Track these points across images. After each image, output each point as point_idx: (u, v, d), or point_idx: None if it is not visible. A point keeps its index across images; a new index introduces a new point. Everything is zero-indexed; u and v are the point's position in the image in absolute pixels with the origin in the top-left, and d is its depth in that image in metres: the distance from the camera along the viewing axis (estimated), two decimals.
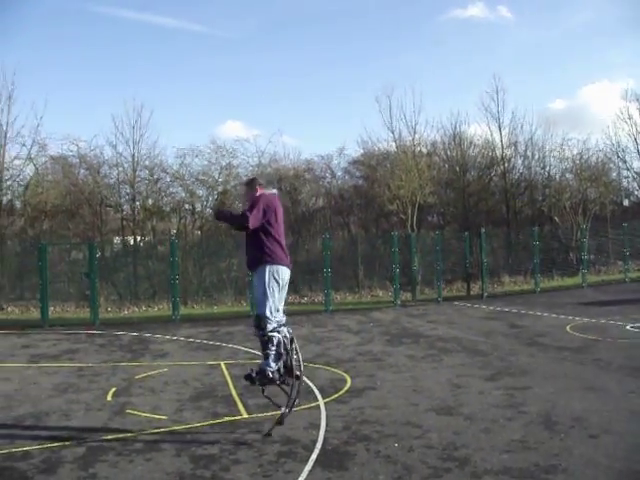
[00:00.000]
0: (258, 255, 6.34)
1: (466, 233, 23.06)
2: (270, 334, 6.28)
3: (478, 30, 60.98)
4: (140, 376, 9.84)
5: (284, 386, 6.57)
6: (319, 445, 6.02)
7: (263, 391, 6.56)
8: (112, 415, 7.45)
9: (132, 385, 9.17)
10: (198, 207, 26.97)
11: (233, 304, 21.61)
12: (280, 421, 6.46)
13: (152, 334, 14.93)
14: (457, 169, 28.28)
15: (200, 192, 26.67)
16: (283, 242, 6.53)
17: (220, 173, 26.40)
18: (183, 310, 19.15)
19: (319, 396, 8.06)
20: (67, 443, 6.38)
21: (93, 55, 57.43)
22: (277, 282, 6.31)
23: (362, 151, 28.30)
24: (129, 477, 5.33)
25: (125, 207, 26.23)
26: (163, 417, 7.30)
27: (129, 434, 6.61)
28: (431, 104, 56.40)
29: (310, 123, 58.67)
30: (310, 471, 5.33)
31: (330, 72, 60.99)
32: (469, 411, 7.09)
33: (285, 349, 6.42)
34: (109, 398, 8.33)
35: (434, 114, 54.61)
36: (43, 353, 12.79)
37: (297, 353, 6.60)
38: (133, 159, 25.72)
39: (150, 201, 25.87)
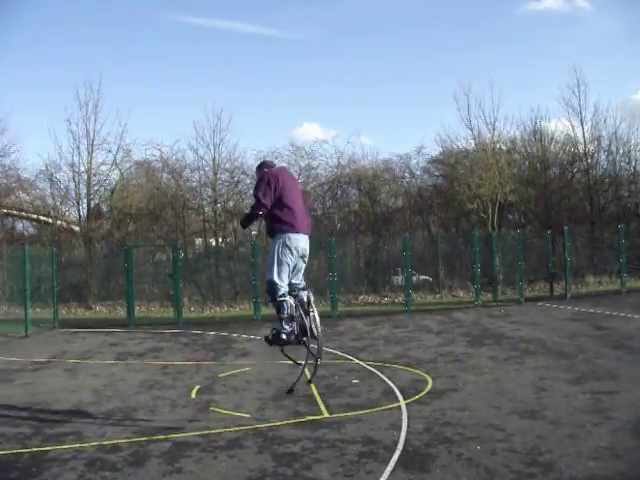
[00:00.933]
0: (273, 225, 6.46)
1: (548, 232, 22.46)
2: (281, 299, 6.41)
3: (554, 22, 59.44)
4: (223, 374, 10.04)
5: (306, 345, 6.86)
6: (400, 446, 5.99)
7: (282, 350, 6.99)
8: (196, 412, 7.63)
9: (215, 383, 9.36)
10: None
11: None
12: (314, 373, 7.03)
13: (234, 334, 15.20)
14: (538, 166, 27.52)
15: None
16: (298, 209, 6.51)
17: (299, 174, 26.60)
18: (264, 310, 19.36)
19: (400, 397, 8.02)
20: (154, 438, 6.58)
21: (174, 62, 59.00)
22: (290, 250, 6.37)
23: (441, 149, 27.95)
24: (213, 473, 5.45)
25: (207, 209, 26.80)
26: (246, 415, 7.43)
27: (213, 431, 6.75)
28: (510, 100, 55.10)
29: (388, 123, 58.52)
30: (392, 472, 5.31)
31: (406, 70, 60.63)
32: (553, 415, 6.90)
33: (304, 310, 6.56)
34: (193, 395, 8.53)
35: (513, 110, 53.67)
36: (130, 351, 13.21)
37: (316, 314, 6.72)
38: (214, 162, 26.29)
39: (231, 203, 26.33)
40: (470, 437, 6.20)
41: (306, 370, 7.30)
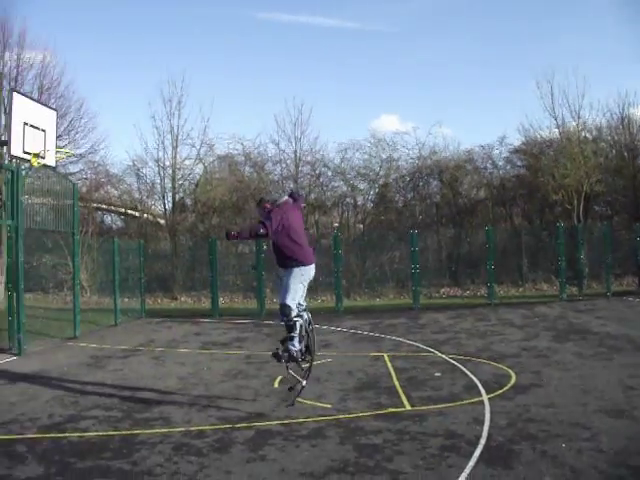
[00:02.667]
0: (285, 261, 7.24)
1: (637, 223, 21.66)
2: (294, 319, 7.18)
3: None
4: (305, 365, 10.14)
5: (303, 363, 7.53)
6: (483, 441, 5.91)
7: (287, 367, 7.38)
8: (279, 401, 7.73)
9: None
10: (360, 200, 27.26)
11: (395, 296, 21.71)
12: (299, 391, 7.44)
13: (316, 325, 15.23)
14: (626, 154, 26.31)
15: (361, 186, 26.95)
16: (304, 243, 7.33)
17: (381, 166, 26.53)
18: (346, 302, 19.48)
19: (483, 391, 7.92)
20: (237, 425, 6.72)
21: (254, 58, 59.72)
22: (302, 279, 7.24)
23: (523, 139, 27.21)
24: (296, 461, 5.52)
25: None
26: (328, 405, 7.49)
27: (295, 420, 6.85)
28: (595, 86, 53.17)
29: (468, 113, 57.50)
30: (474, 467, 5.25)
31: (486, 59, 59.42)
32: None
33: (305, 331, 7.41)
34: (276, 385, 8.66)
35: (599, 97, 51.80)
36: (214, 340, 13.52)
37: (313, 334, 7.64)
38: (295, 155, 26.49)
39: (313, 195, 26.46)
40: (555, 434, 6.04)
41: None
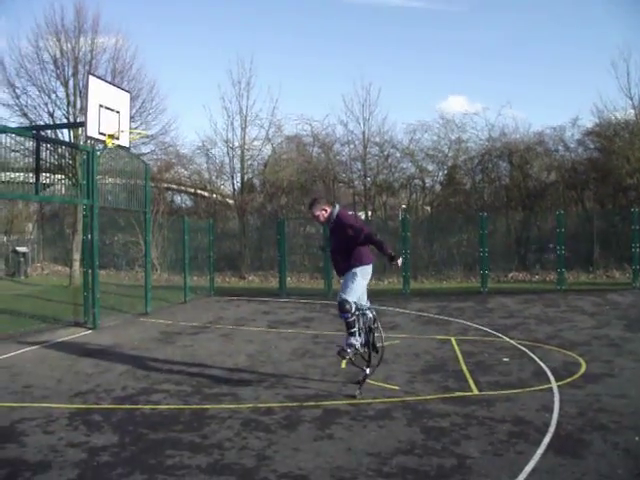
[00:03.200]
0: (352, 261, 7.32)
1: None
2: (353, 316, 7.23)
3: None
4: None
5: (364, 354, 7.59)
6: (552, 429, 5.80)
7: (352, 360, 7.63)
8: (346, 381, 7.77)
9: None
10: (428, 182, 27.03)
11: (462, 280, 21.52)
12: (362, 381, 7.37)
13: (383, 306, 15.30)
14: None
15: (430, 167, 26.69)
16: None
17: (449, 148, 26.21)
18: (413, 284, 19.40)
19: (552, 378, 7.77)
20: (305, 404, 6.80)
21: (322, 39, 59.67)
22: (364, 278, 7.41)
23: (597, 121, 26.34)
24: (363, 441, 5.55)
25: (357, 183, 27.01)
26: (395, 387, 7.50)
27: (363, 401, 6.88)
28: None
29: (540, 94, 56.23)
30: (542, 455, 5.16)
31: (559, 38, 57.76)
32: None
33: (369, 327, 7.51)
34: (343, 365, 8.70)
35: None
36: (281, 320, 13.68)
37: (380, 331, 7.62)
38: (364, 136, 26.38)
39: (381, 177, 26.37)
40: (627, 426, 5.87)
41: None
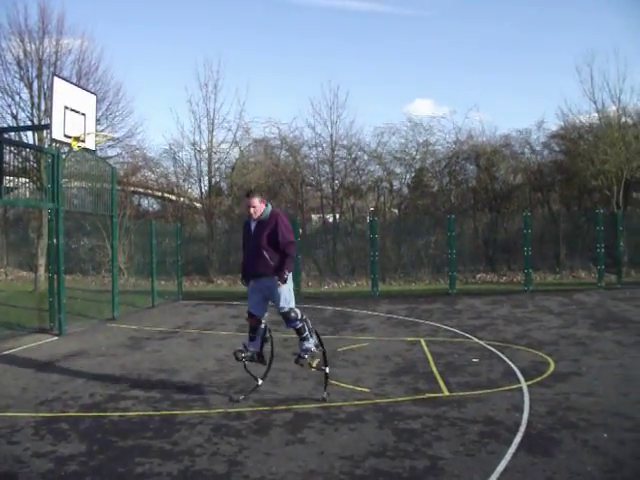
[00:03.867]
0: (282, 267, 6.99)
1: None
2: (303, 320, 7.24)
3: None
4: (342, 349, 10.17)
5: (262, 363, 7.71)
6: (523, 428, 5.84)
7: (245, 366, 7.64)
8: (316, 385, 7.72)
9: (335, 357, 9.46)
10: (396, 185, 27.18)
11: (430, 282, 21.65)
12: (325, 382, 7.26)
13: (352, 309, 15.35)
14: None
15: (397, 170, 26.82)
16: None
17: (417, 150, 26.37)
18: (381, 286, 19.46)
19: (521, 378, 7.84)
20: (276, 408, 6.75)
21: (289, 41, 59.71)
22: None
23: (562, 124, 26.77)
24: (335, 444, 5.52)
25: (324, 186, 27.05)
26: (365, 390, 7.49)
27: (333, 404, 6.86)
28: (637, 70, 52.14)
29: (505, 98, 56.87)
30: (514, 454, 5.19)
31: (523, 43, 58.49)
32: None
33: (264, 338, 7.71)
34: (313, 368, 8.67)
35: None
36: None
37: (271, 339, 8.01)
38: (331, 139, 26.47)
39: (348, 179, 26.44)
40: (596, 424, 5.94)
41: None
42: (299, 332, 7.20)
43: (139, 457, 5.32)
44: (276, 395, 7.33)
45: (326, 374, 7.27)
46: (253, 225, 7.14)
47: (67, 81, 13.69)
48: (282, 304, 7.06)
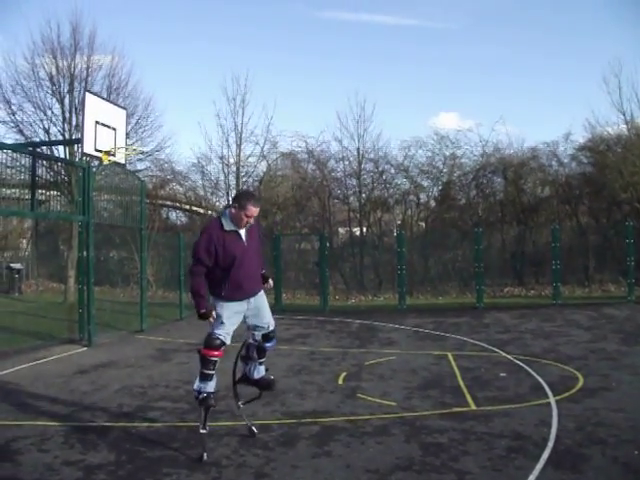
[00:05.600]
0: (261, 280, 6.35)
1: None
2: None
3: None
4: (369, 362, 10.15)
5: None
6: (551, 444, 5.78)
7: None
8: (343, 398, 7.75)
9: (362, 370, 9.48)
10: (423, 198, 27.10)
11: (458, 295, 21.53)
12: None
13: (379, 322, 15.32)
14: None
15: (424, 183, 26.77)
16: None
17: (444, 164, 26.30)
18: (408, 300, 19.40)
19: (549, 393, 7.76)
20: (303, 420, 6.77)
21: (317, 57, 60.00)
22: None
23: (590, 136, 26.53)
24: (362, 458, 5.52)
25: (351, 199, 27.05)
26: (392, 403, 7.46)
27: (360, 417, 6.85)
28: None
29: (532, 110, 56.31)
30: (542, 470, 5.14)
31: (550, 55, 58.06)
32: None
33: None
34: (340, 382, 8.68)
35: None
36: (278, 336, 13.51)
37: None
38: (358, 152, 26.47)
39: (376, 192, 26.44)
40: (626, 440, 5.85)
41: None
42: (263, 354, 6.64)
43: (167, 467, 5.37)
44: (302, 407, 7.35)
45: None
46: (243, 234, 5.96)
47: (98, 96, 13.96)
48: (271, 320, 6.53)
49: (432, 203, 27.40)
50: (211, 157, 27.43)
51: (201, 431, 5.85)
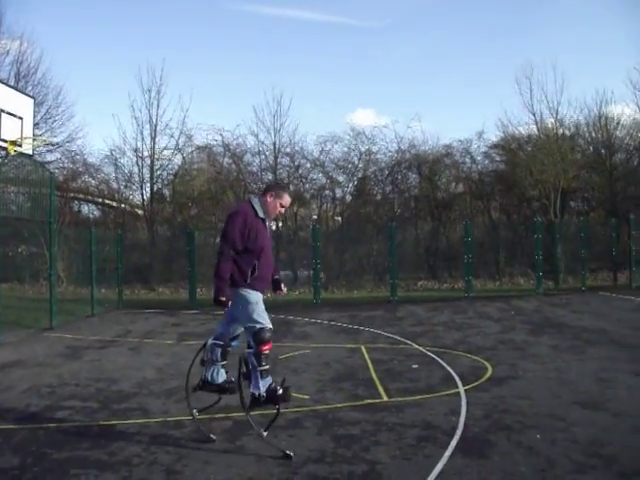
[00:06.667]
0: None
1: (613, 219, 22.00)
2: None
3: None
4: (283, 356, 10.17)
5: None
6: (459, 432, 5.96)
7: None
8: None
9: (276, 365, 9.44)
10: (339, 193, 27.35)
11: (372, 289, 21.81)
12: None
13: (294, 317, 15.37)
14: (603, 152, 26.79)
15: (340, 178, 27.01)
16: None
17: (360, 159, 26.61)
18: (324, 294, 19.53)
19: (459, 383, 7.98)
20: (215, 416, 6.69)
21: (234, 50, 59.53)
22: None
23: (502, 135, 27.53)
24: (274, 451, 5.51)
25: None
26: (305, 396, 7.51)
27: (273, 411, 6.84)
28: (574, 84, 53.78)
29: (447, 108, 57.67)
30: (450, 457, 5.29)
31: (465, 56, 59.52)
32: (617, 407, 6.73)
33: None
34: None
35: (577, 94, 52.46)
36: (191, 332, 13.49)
37: None
38: (274, 147, 26.52)
39: (291, 187, 26.50)
40: (530, 426, 6.12)
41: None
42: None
43: (75, 469, 5.23)
44: (215, 403, 7.28)
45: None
46: (268, 226, 5.94)
47: (3, 83, 13.42)
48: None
49: (348, 198, 27.68)
50: (125, 149, 26.94)
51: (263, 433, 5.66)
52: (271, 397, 5.66)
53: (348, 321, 14.51)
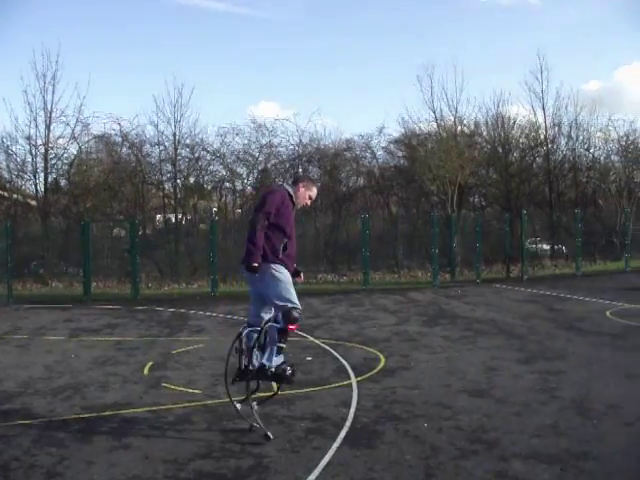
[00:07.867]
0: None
1: (507, 214, 22.82)
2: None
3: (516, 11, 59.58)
4: (177, 351, 10.03)
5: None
6: (348, 423, 6.04)
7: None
8: (147, 388, 7.60)
9: (169, 359, 9.34)
10: (239, 185, 27.15)
11: None
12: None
13: (191, 310, 15.15)
14: (499, 150, 27.86)
15: (241, 170, 26.82)
16: None
17: (260, 152, 26.49)
18: (223, 287, 19.37)
19: (352, 374, 8.10)
20: (103, 414, 6.53)
21: (136, 36, 58.28)
22: None
23: (403, 131, 28.09)
24: (160, 448, 5.43)
25: (167, 185, 26.54)
26: (197, 391, 7.43)
27: (162, 407, 6.74)
28: (473, 83, 55.66)
29: (351, 104, 58.47)
30: (337, 448, 5.35)
31: (370, 51, 60.46)
32: (501, 394, 7.02)
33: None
34: (145, 372, 8.50)
35: (476, 93, 54.26)
36: (84, 327, 13.09)
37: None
38: (174, 138, 25.92)
39: (191, 179, 26.17)
40: (418, 415, 6.28)
41: None
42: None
43: None
44: (103, 400, 7.10)
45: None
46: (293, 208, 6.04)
47: None
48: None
49: (248, 190, 27.51)
50: (17, 137, 25.67)
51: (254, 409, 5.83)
52: (278, 375, 5.84)
53: (246, 314, 14.33)
